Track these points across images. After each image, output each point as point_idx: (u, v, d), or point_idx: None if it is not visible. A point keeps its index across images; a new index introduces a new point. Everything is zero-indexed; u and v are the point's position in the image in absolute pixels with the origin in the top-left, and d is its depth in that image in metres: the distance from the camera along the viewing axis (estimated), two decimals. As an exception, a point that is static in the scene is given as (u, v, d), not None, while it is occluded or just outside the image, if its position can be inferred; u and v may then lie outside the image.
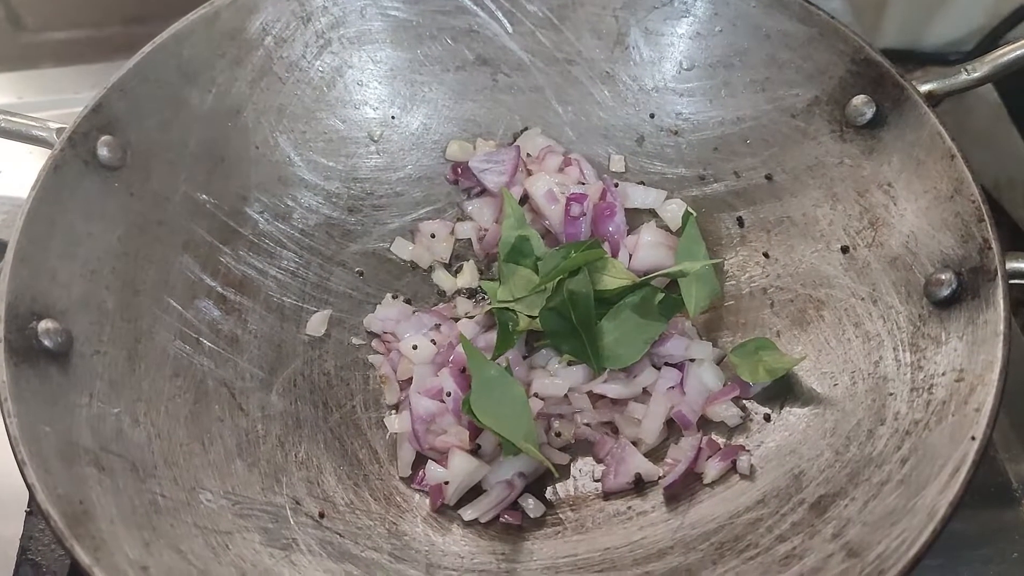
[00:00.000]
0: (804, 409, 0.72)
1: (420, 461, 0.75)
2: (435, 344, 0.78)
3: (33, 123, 0.74)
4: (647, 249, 0.81)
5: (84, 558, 0.56)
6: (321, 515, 0.70)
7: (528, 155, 0.85)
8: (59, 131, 0.72)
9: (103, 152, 0.72)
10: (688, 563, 0.65)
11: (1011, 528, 0.75)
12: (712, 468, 0.71)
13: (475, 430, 0.72)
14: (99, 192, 0.72)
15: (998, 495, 0.77)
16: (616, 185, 0.83)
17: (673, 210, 0.84)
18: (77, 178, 0.70)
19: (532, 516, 0.72)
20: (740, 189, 0.83)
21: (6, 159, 0.96)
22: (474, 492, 0.72)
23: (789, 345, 0.75)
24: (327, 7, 0.83)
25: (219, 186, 0.79)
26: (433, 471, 0.72)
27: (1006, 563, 0.74)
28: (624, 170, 0.86)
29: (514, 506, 0.72)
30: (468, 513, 0.71)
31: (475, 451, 0.73)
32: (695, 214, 0.82)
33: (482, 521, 0.71)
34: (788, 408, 0.73)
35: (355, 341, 0.81)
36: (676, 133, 0.85)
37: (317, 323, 0.80)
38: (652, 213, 0.85)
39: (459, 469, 0.72)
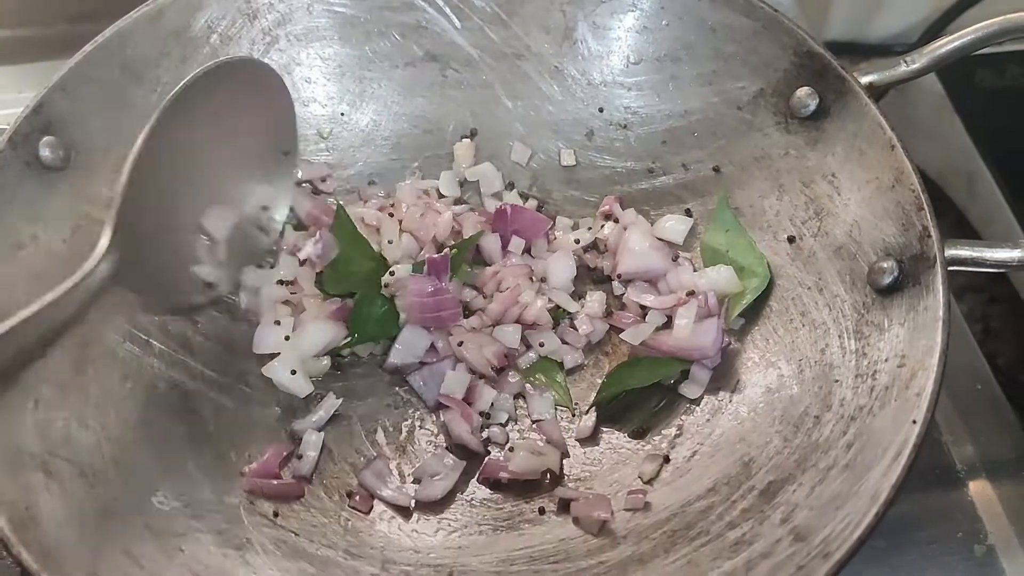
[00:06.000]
0: (753, 397, 0.73)
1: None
2: None
3: None
4: (634, 258, 0.80)
5: (31, 564, 0.55)
6: (275, 514, 0.70)
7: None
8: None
9: (45, 153, 0.71)
10: (641, 552, 0.66)
11: (956, 508, 0.77)
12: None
13: None
14: (43, 193, 0.71)
15: (943, 477, 0.79)
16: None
17: (672, 226, 0.83)
18: (19, 179, 0.70)
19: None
20: (688, 182, 0.84)
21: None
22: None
23: (739, 332, 0.77)
24: (273, 4, 0.83)
25: (167, 186, 0.79)
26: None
27: (952, 542, 0.75)
28: (574, 164, 0.87)
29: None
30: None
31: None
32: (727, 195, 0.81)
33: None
34: (737, 396, 0.74)
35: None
36: (625, 127, 0.86)
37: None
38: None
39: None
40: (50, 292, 0.55)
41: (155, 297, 0.69)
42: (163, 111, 0.63)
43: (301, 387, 0.76)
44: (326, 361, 0.78)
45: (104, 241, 0.60)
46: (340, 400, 0.76)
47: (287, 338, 0.77)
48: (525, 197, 0.87)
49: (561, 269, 0.81)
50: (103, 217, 0.73)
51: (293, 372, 0.76)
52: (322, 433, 0.75)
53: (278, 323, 0.77)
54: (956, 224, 1.00)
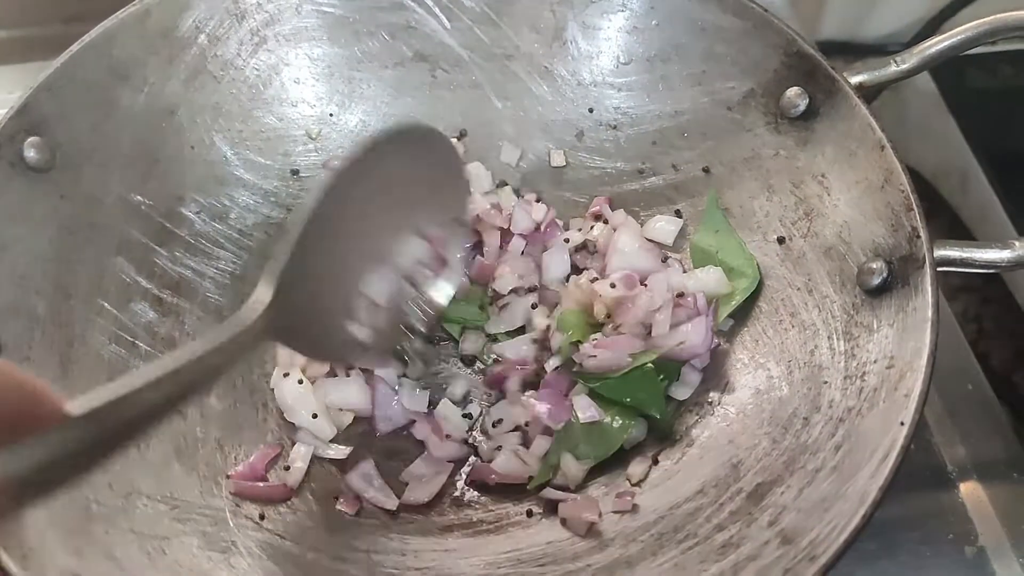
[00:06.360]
0: (742, 399, 0.72)
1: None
2: None
3: None
4: (624, 259, 0.79)
5: (12, 567, 0.55)
6: (262, 517, 0.69)
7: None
8: (-16, 133, 0.70)
9: (30, 154, 0.70)
10: (628, 554, 0.65)
11: (947, 510, 0.77)
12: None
13: None
14: (27, 195, 0.70)
15: (934, 478, 0.78)
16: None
17: (662, 227, 0.82)
18: (4, 181, 0.69)
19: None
20: (678, 182, 0.83)
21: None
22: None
23: (728, 333, 0.76)
24: (261, 4, 0.82)
25: (154, 187, 0.78)
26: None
27: (942, 544, 0.75)
28: (564, 164, 0.86)
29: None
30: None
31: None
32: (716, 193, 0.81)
33: None
34: (727, 398, 0.74)
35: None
36: (615, 127, 0.85)
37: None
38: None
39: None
40: (192, 346, 0.48)
41: (307, 351, 0.66)
42: (340, 171, 0.58)
43: (323, 430, 0.75)
44: (348, 417, 0.76)
45: (264, 296, 0.55)
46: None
47: (300, 382, 0.75)
48: (519, 193, 0.87)
49: (556, 264, 0.82)
50: (90, 219, 0.74)
51: (315, 416, 0.74)
52: (311, 448, 0.74)
53: (286, 375, 0.76)
54: (950, 224, 0.99)
